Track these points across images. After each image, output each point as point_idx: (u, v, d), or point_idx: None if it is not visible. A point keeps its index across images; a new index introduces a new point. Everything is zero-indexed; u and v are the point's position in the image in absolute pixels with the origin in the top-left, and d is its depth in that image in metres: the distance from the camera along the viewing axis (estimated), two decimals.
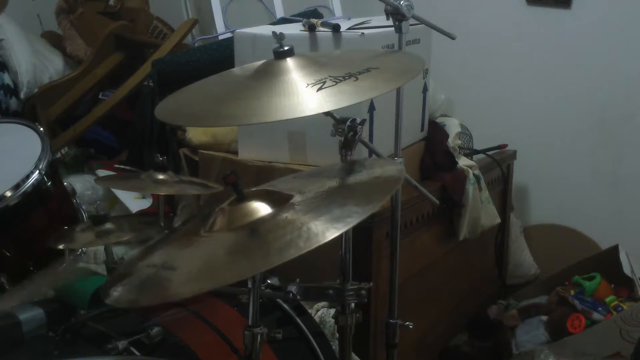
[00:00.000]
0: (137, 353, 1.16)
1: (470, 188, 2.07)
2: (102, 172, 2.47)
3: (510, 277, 2.63)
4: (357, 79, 1.04)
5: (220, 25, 2.82)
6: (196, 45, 2.67)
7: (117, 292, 0.90)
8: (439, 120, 2.24)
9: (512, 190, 2.58)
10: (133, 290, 0.90)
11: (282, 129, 1.82)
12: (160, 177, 1.52)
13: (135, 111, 2.58)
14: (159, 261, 0.94)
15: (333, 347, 1.45)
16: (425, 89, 2.05)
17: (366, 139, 1.34)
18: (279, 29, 1.67)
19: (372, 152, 1.38)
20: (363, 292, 1.19)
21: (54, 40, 2.93)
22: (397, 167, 1.07)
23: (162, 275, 0.89)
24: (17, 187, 1.46)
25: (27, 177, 1.48)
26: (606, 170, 2.56)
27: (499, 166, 2.41)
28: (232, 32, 2.23)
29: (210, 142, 2.05)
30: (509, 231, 2.59)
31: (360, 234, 1.62)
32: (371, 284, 1.22)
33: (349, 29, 1.74)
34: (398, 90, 1.43)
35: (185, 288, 0.86)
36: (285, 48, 1.09)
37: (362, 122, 1.16)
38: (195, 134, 2.07)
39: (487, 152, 2.44)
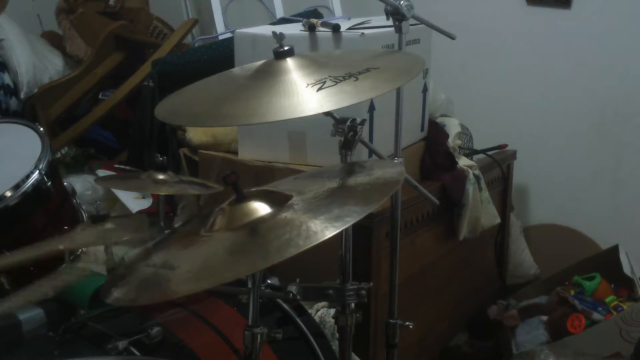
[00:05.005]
0: (137, 353, 1.16)
1: (470, 188, 2.07)
2: (102, 172, 2.47)
3: (510, 277, 2.63)
4: (357, 79, 1.04)
5: (220, 25, 2.82)
6: (196, 45, 2.67)
7: (116, 291, 0.90)
8: (439, 120, 2.24)
9: (512, 190, 2.58)
10: (132, 289, 0.90)
11: (282, 129, 1.82)
12: (160, 177, 1.52)
13: (135, 111, 2.58)
14: (159, 261, 0.94)
15: (333, 347, 1.45)
16: (425, 89, 2.05)
17: (366, 139, 1.35)
18: (279, 29, 1.67)
19: (372, 152, 1.38)
20: (363, 292, 1.19)
21: (54, 40, 2.93)
22: (397, 170, 1.07)
23: (162, 274, 0.89)
24: (17, 187, 1.46)
25: (27, 177, 1.48)
26: (606, 170, 2.56)
27: (499, 166, 2.41)
28: (232, 32, 2.23)
29: (210, 142, 2.05)
30: (509, 231, 2.59)
31: (360, 234, 1.62)
32: (371, 284, 1.22)
33: (349, 29, 1.74)
34: (398, 90, 1.43)
35: (184, 287, 0.86)
36: (285, 48, 1.09)
37: (362, 122, 1.16)
38: (195, 134, 2.07)
39: (487, 152, 2.43)
